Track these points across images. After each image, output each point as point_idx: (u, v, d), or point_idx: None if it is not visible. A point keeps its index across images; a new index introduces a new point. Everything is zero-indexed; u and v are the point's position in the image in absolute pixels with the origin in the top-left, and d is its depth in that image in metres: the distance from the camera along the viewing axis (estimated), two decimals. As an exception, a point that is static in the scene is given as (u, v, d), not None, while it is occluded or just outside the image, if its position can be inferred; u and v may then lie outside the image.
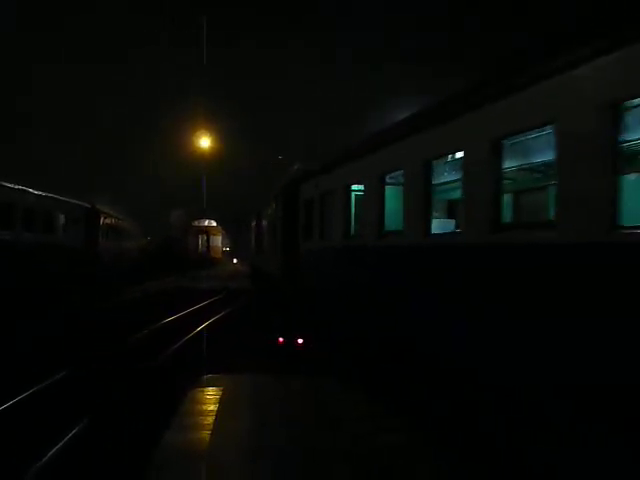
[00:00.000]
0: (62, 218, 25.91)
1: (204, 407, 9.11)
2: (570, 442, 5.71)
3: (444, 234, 9.10)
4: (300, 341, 14.57)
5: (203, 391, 10.10)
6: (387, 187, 10.61)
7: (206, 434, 7.79)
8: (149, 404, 10.15)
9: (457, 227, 8.72)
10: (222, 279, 45.79)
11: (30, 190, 21.98)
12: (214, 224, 67.32)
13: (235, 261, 77.28)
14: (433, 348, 8.52)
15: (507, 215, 7.82)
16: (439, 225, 9.49)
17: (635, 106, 5.65)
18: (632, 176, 6.67)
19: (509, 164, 7.74)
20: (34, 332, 17.56)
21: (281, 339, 14.98)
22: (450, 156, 8.89)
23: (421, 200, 8.87)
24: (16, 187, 20.62)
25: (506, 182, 7.74)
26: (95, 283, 29.72)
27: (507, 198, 8.27)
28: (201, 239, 62.60)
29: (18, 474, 7.13)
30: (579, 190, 5.66)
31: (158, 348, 15.19)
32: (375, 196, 10.69)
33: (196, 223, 64.65)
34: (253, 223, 32.91)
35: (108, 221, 34.53)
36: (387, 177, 10.56)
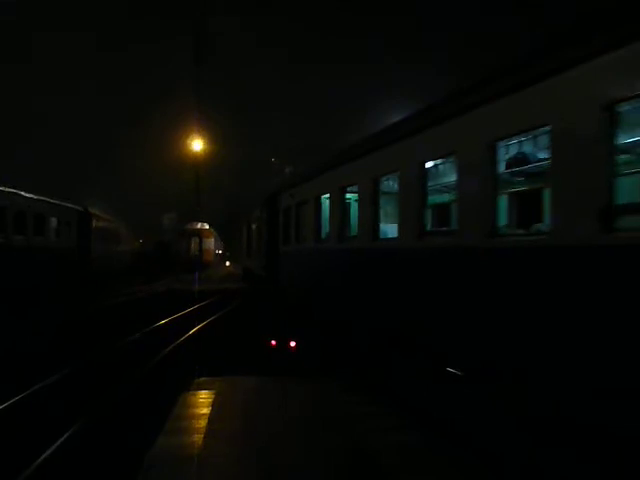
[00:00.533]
0: (54, 221, 25.84)
1: (196, 410, 9.09)
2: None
3: (388, 239, 10.64)
4: (292, 344, 14.59)
5: (195, 394, 10.09)
6: (347, 198, 12.50)
7: (199, 437, 7.78)
8: (141, 408, 10.13)
9: (397, 233, 10.00)
10: (214, 282, 45.83)
11: (21, 193, 21.92)
12: (207, 227, 67.17)
13: (228, 264, 77.25)
14: (389, 330, 9.92)
15: (428, 224, 9.47)
16: (386, 231, 11.02)
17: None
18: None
19: (430, 183, 9.73)
20: (26, 333, 17.52)
21: (273, 342, 15.01)
22: (391, 175, 10.45)
23: (371, 210, 10.62)
24: (7, 190, 20.56)
25: (429, 198, 9.51)
26: (87, 286, 29.68)
27: (429, 210, 9.98)
28: (194, 242, 62.40)
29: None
30: (468, 206, 7.40)
31: (151, 351, 15.17)
32: (338, 206, 12.49)
33: (188, 226, 64.48)
34: (244, 227, 33.12)
35: (100, 224, 34.45)
36: (347, 189, 12.30)
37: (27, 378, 11.53)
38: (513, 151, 8.52)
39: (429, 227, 9.56)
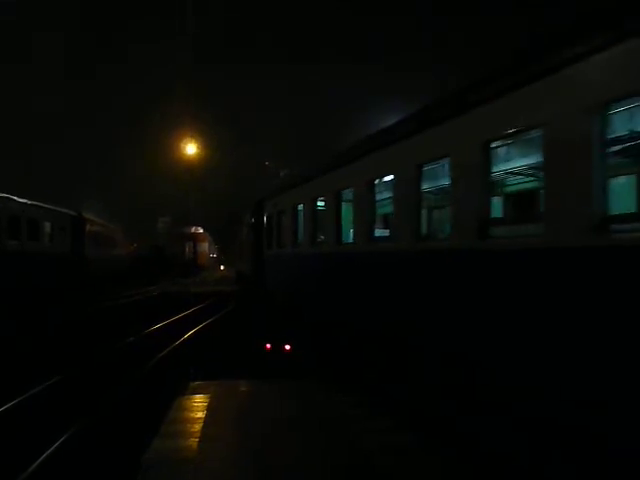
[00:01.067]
0: (48, 226, 25.85)
1: (191, 414, 9.12)
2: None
3: (347, 243, 12.07)
4: (287, 347, 14.65)
5: (190, 398, 10.12)
6: (318, 207, 13.84)
7: (194, 441, 7.81)
8: (136, 412, 10.16)
9: (353, 239, 11.69)
10: (209, 284, 45.91)
11: (15, 198, 21.94)
12: (201, 231, 67.15)
13: (222, 267, 77.17)
14: (354, 326, 11.13)
15: (376, 231, 10.94)
16: (346, 236, 12.35)
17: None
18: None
19: (377, 197, 10.92)
20: (22, 335, 17.51)
21: (268, 345, 15.06)
22: (348, 189, 11.70)
23: (333, 220, 12.29)
24: (0, 195, 20.58)
25: (377, 208, 11.06)
26: (82, 290, 29.68)
27: (377, 218, 11.57)
28: (188, 246, 62.39)
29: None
30: (404, 218, 9.08)
31: (146, 354, 15.20)
32: (310, 214, 14.27)
33: (183, 230, 64.45)
34: (238, 231, 33.40)
35: (94, 229, 34.46)
36: (317, 200, 13.79)
37: (22, 382, 11.56)
38: (431, 175, 9.89)
39: (376, 233, 10.97)
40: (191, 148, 58.73)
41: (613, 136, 6.45)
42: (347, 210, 12.08)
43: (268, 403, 9.93)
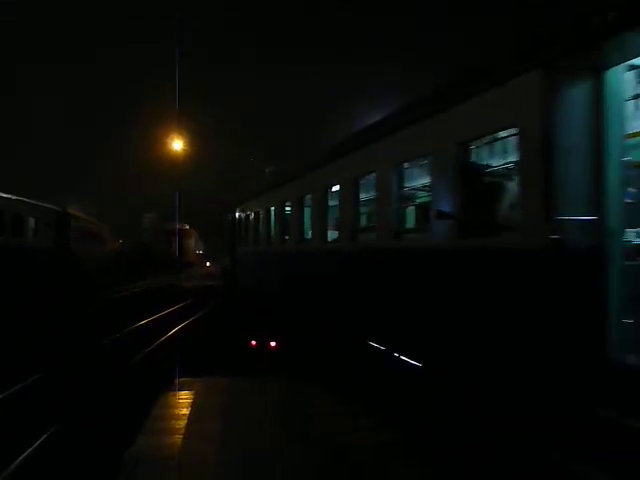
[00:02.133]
0: (32, 221, 25.69)
1: (176, 411, 9.11)
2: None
3: (301, 242, 13.75)
4: (273, 344, 14.62)
5: (175, 395, 10.10)
6: (272, 215, 16.69)
7: (178, 438, 7.80)
8: (121, 408, 10.12)
9: (309, 239, 13.42)
10: (195, 280, 45.96)
11: (-2, 193, 21.80)
12: (187, 227, 66.90)
13: (208, 264, 76.98)
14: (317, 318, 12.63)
15: (333, 236, 12.23)
16: (301, 238, 13.97)
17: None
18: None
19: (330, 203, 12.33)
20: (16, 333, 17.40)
21: (254, 342, 15.02)
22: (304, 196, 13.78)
23: (279, 224, 15.69)
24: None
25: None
26: (68, 285, 29.52)
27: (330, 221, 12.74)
28: (174, 242, 62.18)
29: None
30: (346, 222, 10.90)
31: (133, 350, 15.19)
32: (266, 220, 17.32)
33: (169, 226, 64.20)
34: (224, 228, 33.92)
35: (79, 224, 34.26)
36: (272, 209, 16.60)
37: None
38: (365, 187, 10.93)
39: (330, 235, 12.32)
40: (178, 144, 58.43)
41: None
42: (296, 215, 14.15)
43: (253, 400, 9.93)
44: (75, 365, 13.57)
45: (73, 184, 66.85)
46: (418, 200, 9.61)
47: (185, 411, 9.07)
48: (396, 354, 8.78)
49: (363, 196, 10.80)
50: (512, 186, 6.75)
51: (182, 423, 8.45)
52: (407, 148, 8.68)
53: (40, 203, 27.03)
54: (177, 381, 11.07)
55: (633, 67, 5.37)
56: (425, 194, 9.18)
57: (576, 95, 5.70)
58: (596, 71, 5.63)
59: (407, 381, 8.38)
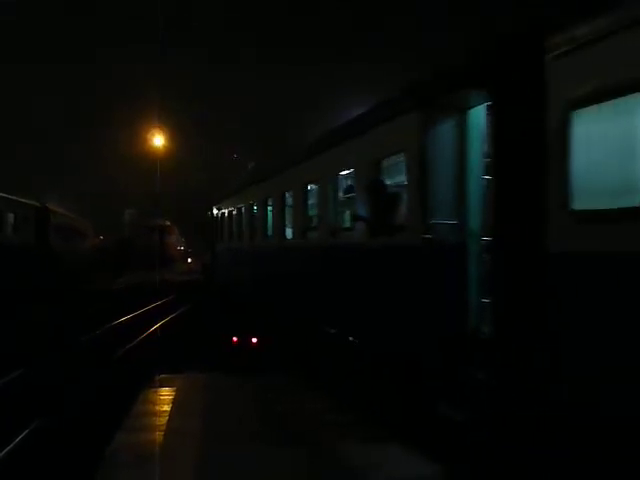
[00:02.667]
0: (11, 217, 25.47)
1: (157, 407, 9.09)
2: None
3: (265, 239, 15.47)
4: (254, 340, 14.62)
5: (156, 391, 10.07)
6: (243, 214, 18.30)
7: (159, 435, 7.77)
8: (101, 405, 10.07)
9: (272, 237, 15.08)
10: (176, 276, 45.94)
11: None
12: (168, 223, 66.53)
13: (190, 260, 76.60)
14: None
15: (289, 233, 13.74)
16: (265, 235, 15.71)
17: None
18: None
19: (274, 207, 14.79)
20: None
21: (235, 338, 15.00)
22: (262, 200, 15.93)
23: (248, 222, 17.48)
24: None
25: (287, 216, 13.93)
26: (48, 281, 29.29)
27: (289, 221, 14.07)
28: (155, 238, 61.77)
29: None
30: (297, 222, 12.83)
31: (113, 346, 15.13)
32: (238, 219, 19.07)
33: (149, 222, 63.76)
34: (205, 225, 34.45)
35: (59, 220, 33.99)
36: (242, 208, 18.28)
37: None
38: (311, 193, 12.25)
39: (290, 234, 13.59)
40: (159, 140, 58.03)
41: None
42: (261, 215, 15.92)
43: (234, 397, 9.92)
44: (55, 362, 13.48)
45: (54, 180, 66.23)
46: (348, 205, 10.68)
47: (166, 408, 9.05)
48: (347, 336, 9.98)
49: (311, 201, 12.19)
50: (405, 197, 8.23)
51: (163, 420, 8.43)
52: (339, 163, 10.39)
53: (19, 199, 26.83)
54: (157, 378, 11.04)
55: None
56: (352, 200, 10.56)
57: (445, 128, 7.34)
58: (461, 110, 7.28)
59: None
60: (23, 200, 27.41)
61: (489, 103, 6.55)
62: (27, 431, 8.64)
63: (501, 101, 6.20)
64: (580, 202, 5.07)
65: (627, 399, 4.58)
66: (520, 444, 5.69)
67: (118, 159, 73.77)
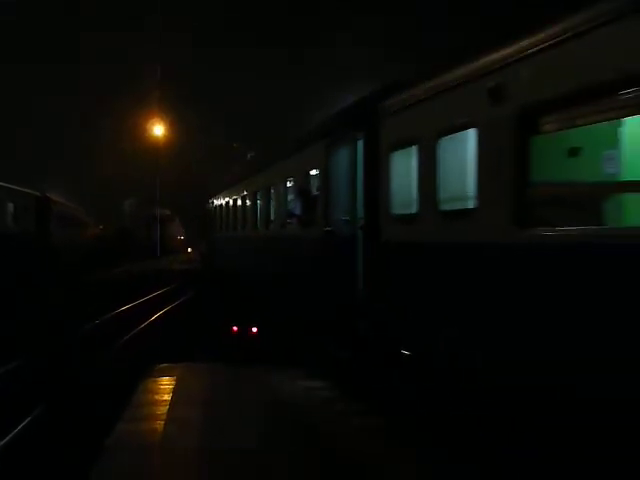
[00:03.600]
0: (11, 206, 25.46)
1: (157, 397, 9.08)
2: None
3: (242, 230, 19.27)
4: (254, 330, 14.62)
5: (156, 381, 10.06)
6: (230, 207, 21.74)
7: (160, 424, 7.76)
8: (102, 394, 10.09)
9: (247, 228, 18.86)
10: (178, 264, 46.03)
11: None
12: (168, 213, 66.53)
13: (190, 250, 76.67)
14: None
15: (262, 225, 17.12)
16: (243, 226, 19.25)
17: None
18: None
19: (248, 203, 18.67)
20: None
21: (235, 328, 15.01)
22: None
23: (233, 215, 21.02)
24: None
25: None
26: (49, 269, 29.33)
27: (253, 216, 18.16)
28: (155, 228, 61.82)
29: None
30: (261, 217, 16.65)
31: (114, 334, 15.25)
32: (228, 211, 22.35)
33: (150, 212, 63.76)
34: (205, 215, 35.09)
35: (59, 209, 33.98)
36: (230, 203, 21.69)
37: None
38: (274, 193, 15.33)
39: (259, 226, 16.82)
40: (159, 129, 57.94)
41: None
42: (242, 209, 19.32)
43: (235, 386, 9.92)
44: (57, 350, 13.50)
45: (55, 170, 66.16)
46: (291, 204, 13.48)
47: (166, 397, 9.03)
48: (294, 309, 12.77)
49: (272, 200, 15.27)
50: (318, 200, 11.22)
51: (163, 409, 8.40)
52: (288, 172, 13.56)
53: (19, 188, 26.80)
54: (158, 367, 11.04)
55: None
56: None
57: (342, 152, 9.82)
58: (352, 141, 9.39)
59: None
60: (23, 189, 27.39)
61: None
62: (26, 421, 8.66)
63: (366, 139, 8.89)
64: (395, 209, 8.18)
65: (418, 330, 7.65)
66: (378, 367, 8.58)
67: (119, 149, 73.52)
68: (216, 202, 25.83)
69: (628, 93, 4.38)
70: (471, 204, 6.43)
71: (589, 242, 4.75)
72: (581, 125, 5.15)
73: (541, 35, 5.25)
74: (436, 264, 7.19)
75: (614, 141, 5.51)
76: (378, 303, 8.56)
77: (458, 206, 6.76)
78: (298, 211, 12.10)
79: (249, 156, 37.03)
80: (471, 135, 6.41)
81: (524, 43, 5.48)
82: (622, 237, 4.56)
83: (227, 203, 22.48)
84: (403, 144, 7.92)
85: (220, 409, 8.59)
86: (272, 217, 15.25)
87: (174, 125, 60.58)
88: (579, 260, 4.84)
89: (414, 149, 7.61)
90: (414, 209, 7.61)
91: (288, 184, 13.46)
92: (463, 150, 6.67)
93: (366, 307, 8.95)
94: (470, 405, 6.34)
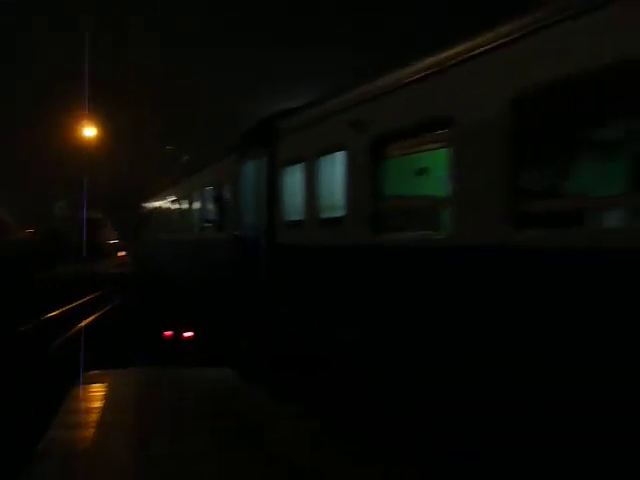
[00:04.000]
0: None
1: (88, 404, 9.00)
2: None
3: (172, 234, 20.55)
4: (188, 334, 14.56)
5: (86, 387, 9.95)
6: (159, 212, 23.78)
7: (91, 431, 7.71)
8: (30, 402, 9.88)
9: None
10: (110, 267, 45.25)
11: None
12: (100, 216, 65.09)
13: (123, 253, 75.12)
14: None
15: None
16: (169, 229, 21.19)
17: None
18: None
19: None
20: None
21: (168, 332, 14.89)
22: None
23: (163, 219, 23.31)
24: None
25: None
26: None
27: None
28: (87, 231, 60.39)
29: None
30: (186, 221, 18.18)
31: (43, 341, 14.95)
32: (159, 215, 23.86)
33: (81, 214, 62.22)
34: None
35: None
36: (162, 205, 23.02)
37: None
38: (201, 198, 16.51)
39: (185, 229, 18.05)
40: (90, 131, 56.64)
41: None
42: (171, 213, 20.91)
43: (168, 391, 9.91)
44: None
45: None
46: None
47: (98, 404, 8.96)
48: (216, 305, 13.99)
49: (194, 205, 16.77)
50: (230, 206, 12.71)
51: (95, 416, 8.34)
52: (206, 180, 15.30)
53: None
54: (89, 373, 10.88)
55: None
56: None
57: (250, 165, 11.12)
58: (259, 156, 10.56)
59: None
60: None
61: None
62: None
63: (267, 155, 10.14)
64: (286, 216, 9.55)
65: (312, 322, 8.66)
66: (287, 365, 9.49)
67: (49, 152, 71.48)
68: (149, 205, 27.18)
69: (437, 132, 5.76)
70: (341, 213, 7.68)
71: (419, 245, 6.12)
72: (414, 153, 6.54)
73: (380, 83, 6.81)
74: (318, 264, 8.48)
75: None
76: (277, 302, 9.77)
77: (332, 215, 7.99)
78: (213, 216, 13.81)
79: (184, 159, 36.78)
80: (342, 157, 7.62)
81: (371, 87, 6.99)
82: (439, 241, 5.83)
83: (159, 207, 23.72)
84: (293, 161, 9.30)
85: (153, 415, 8.57)
86: (195, 221, 16.56)
87: (107, 126, 59.32)
88: (414, 260, 6.18)
89: (301, 166, 8.96)
90: (301, 217, 8.93)
91: (208, 191, 14.89)
92: (337, 169, 7.84)
93: (268, 306, 10.05)
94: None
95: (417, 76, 6.09)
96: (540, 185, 5.16)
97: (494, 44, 5.06)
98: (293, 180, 9.32)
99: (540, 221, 4.69)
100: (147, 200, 27.87)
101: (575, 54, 4.26)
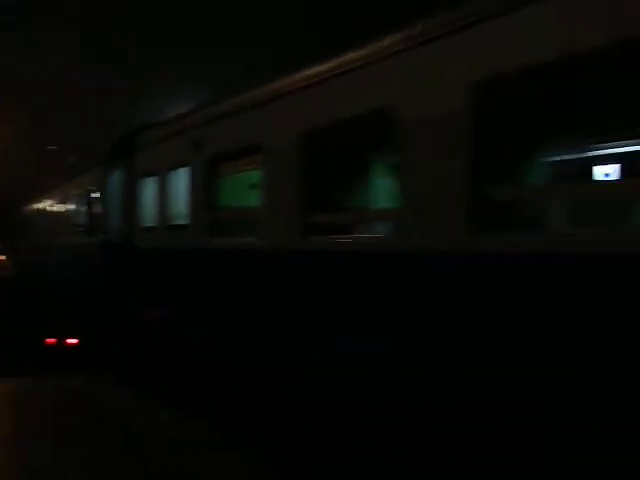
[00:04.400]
0: None
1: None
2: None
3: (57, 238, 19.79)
4: (73, 341, 14.43)
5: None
6: (43, 215, 23.40)
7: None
8: None
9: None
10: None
11: None
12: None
13: (3, 257, 71.12)
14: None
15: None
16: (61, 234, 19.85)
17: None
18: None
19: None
20: None
21: (49, 340, 14.59)
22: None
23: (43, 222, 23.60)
24: None
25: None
26: None
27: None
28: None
29: None
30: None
31: None
32: (40, 218, 23.89)
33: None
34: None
35: None
36: (42, 208, 23.08)
37: None
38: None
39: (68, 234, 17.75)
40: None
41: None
42: (51, 217, 21.63)
43: (51, 400, 9.54)
44: None
45: None
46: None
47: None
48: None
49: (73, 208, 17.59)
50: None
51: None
52: (81, 185, 16.09)
53: None
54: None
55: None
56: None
57: (115, 176, 11.72)
58: (121, 167, 11.33)
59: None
60: None
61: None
62: None
63: (127, 167, 10.97)
64: (143, 223, 10.22)
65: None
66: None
67: None
68: (30, 208, 27.19)
69: (253, 155, 6.91)
70: (186, 221, 8.69)
71: (246, 249, 7.24)
72: (240, 172, 7.75)
73: (213, 111, 8.02)
74: (167, 265, 9.46)
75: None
76: (137, 304, 10.48)
77: (179, 222, 9.01)
78: (85, 221, 15.02)
79: (71, 160, 35.95)
80: (186, 172, 8.66)
81: (206, 113, 8.16)
82: (259, 245, 6.92)
83: (40, 210, 24.00)
84: (148, 174, 10.10)
85: (36, 425, 8.17)
86: (71, 226, 17.19)
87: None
88: (242, 261, 7.32)
89: (155, 178, 9.83)
90: (155, 223, 9.83)
91: (82, 196, 15.88)
92: (182, 182, 8.84)
93: (131, 309, 10.70)
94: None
95: (237, 108, 7.31)
96: (321, 202, 6.33)
97: (288, 89, 6.43)
98: (148, 190, 10.20)
99: (321, 230, 5.97)
100: (28, 202, 27.58)
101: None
